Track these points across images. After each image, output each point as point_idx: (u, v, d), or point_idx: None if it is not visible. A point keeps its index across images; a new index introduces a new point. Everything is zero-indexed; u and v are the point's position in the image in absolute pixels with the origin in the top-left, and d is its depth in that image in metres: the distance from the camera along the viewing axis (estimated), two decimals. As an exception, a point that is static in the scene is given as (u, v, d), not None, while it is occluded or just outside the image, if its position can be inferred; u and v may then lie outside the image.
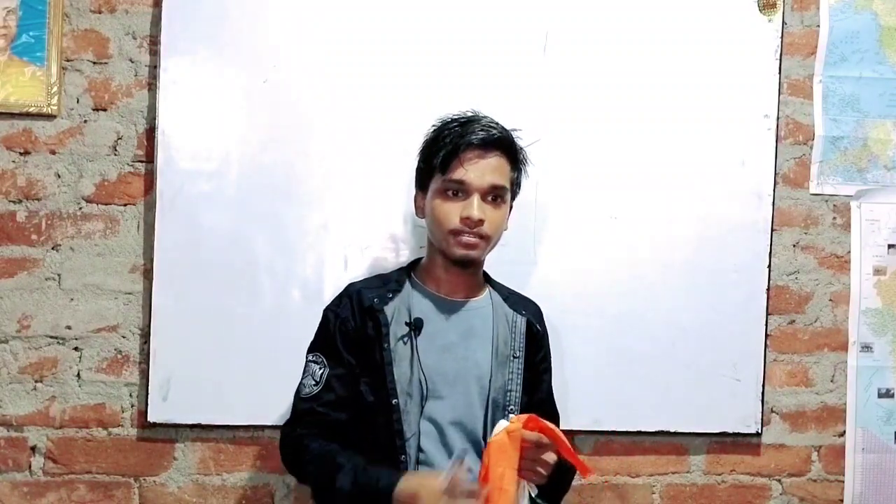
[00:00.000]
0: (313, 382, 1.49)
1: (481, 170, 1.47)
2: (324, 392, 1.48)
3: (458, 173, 1.47)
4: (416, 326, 1.49)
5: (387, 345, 1.47)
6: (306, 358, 1.53)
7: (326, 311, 1.56)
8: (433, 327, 1.51)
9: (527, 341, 1.56)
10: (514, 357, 1.54)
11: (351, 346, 1.50)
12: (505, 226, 1.56)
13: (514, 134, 1.54)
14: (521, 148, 1.55)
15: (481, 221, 1.46)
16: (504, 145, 1.50)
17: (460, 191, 1.48)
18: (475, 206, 1.46)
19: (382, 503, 1.34)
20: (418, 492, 1.31)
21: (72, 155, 1.80)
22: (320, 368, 1.50)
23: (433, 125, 1.54)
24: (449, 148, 1.48)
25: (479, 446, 1.49)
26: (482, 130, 1.48)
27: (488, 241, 1.50)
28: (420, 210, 1.57)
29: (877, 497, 1.97)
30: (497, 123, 1.52)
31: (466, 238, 1.47)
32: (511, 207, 1.58)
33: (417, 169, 1.56)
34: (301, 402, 1.50)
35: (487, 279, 1.62)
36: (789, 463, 1.97)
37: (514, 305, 1.59)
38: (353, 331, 1.50)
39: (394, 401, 1.45)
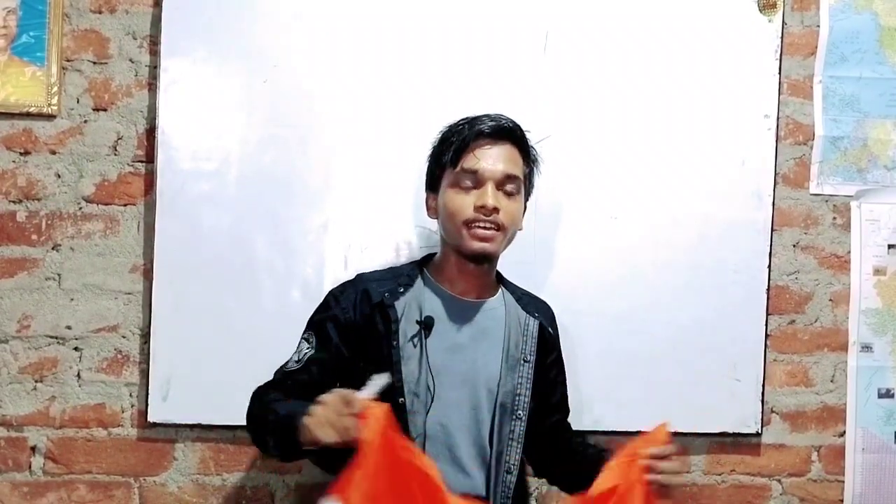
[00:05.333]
0: (296, 359, 1.48)
1: (493, 158, 1.46)
2: (300, 373, 1.47)
3: (471, 162, 1.46)
4: (426, 325, 1.47)
5: (395, 342, 1.46)
6: (302, 333, 1.52)
7: (329, 294, 1.55)
8: (444, 327, 1.49)
9: (538, 345, 1.55)
10: (525, 361, 1.52)
11: (344, 336, 1.48)
12: (520, 224, 1.55)
13: (526, 134, 1.54)
14: (532, 145, 1.55)
15: (496, 210, 1.44)
16: (515, 136, 1.50)
17: (473, 181, 1.46)
18: (490, 194, 1.44)
19: (290, 423, 1.29)
20: (322, 399, 1.25)
21: (72, 155, 1.80)
22: (307, 348, 1.48)
23: (443, 128, 1.54)
24: (460, 140, 1.47)
25: (484, 451, 1.48)
26: (492, 121, 1.49)
27: (504, 232, 1.47)
28: (432, 211, 1.55)
29: (877, 497, 1.97)
30: (509, 118, 1.52)
31: (482, 231, 1.45)
32: (526, 208, 1.57)
33: (428, 170, 1.56)
34: (280, 373, 1.49)
35: (501, 279, 1.61)
36: (789, 463, 1.97)
37: (527, 307, 1.58)
38: (348, 323, 1.49)
39: (400, 400, 1.43)
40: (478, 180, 1.46)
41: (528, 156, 1.53)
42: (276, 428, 1.35)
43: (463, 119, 1.52)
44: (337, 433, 1.21)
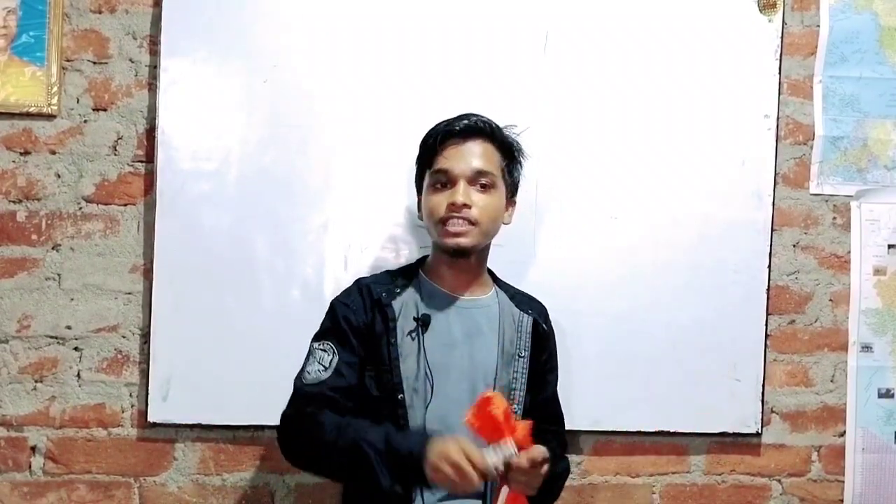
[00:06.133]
0: (321, 368, 1.46)
1: (463, 155, 1.49)
2: (334, 378, 1.45)
3: (440, 163, 1.50)
4: (423, 322, 1.49)
5: (394, 339, 1.48)
6: (311, 346, 1.51)
7: (335, 301, 1.55)
8: (440, 324, 1.51)
9: (532, 341, 1.57)
10: (520, 356, 1.54)
11: (360, 338, 1.49)
12: (506, 219, 1.57)
13: (510, 129, 1.55)
14: (514, 140, 1.56)
15: (467, 206, 1.47)
16: (485, 132, 1.52)
17: (447, 181, 1.50)
18: (460, 192, 1.47)
19: (412, 462, 1.31)
20: (448, 443, 1.30)
21: (72, 155, 1.80)
22: (329, 355, 1.47)
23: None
24: (432, 142, 1.51)
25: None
26: (464, 120, 1.51)
27: (479, 226, 1.49)
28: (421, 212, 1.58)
29: (877, 497, 1.97)
30: (483, 116, 1.53)
31: (454, 227, 1.48)
32: (514, 203, 1.59)
33: (416, 173, 1.59)
34: (307, 386, 1.45)
35: (494, 278, 1.63)
36: (789, 463, 1.97)
37: (521, 304, 1.60)
38: (362, 325, 1.50)
39: (399, 396, 1.45)
40: (450, 179, 1.49)
41: (506, 150, 1.55)
42: (360, 458, 1.34)
43: (442, 121, 1.54)
44: (461, 489, 1.29)
